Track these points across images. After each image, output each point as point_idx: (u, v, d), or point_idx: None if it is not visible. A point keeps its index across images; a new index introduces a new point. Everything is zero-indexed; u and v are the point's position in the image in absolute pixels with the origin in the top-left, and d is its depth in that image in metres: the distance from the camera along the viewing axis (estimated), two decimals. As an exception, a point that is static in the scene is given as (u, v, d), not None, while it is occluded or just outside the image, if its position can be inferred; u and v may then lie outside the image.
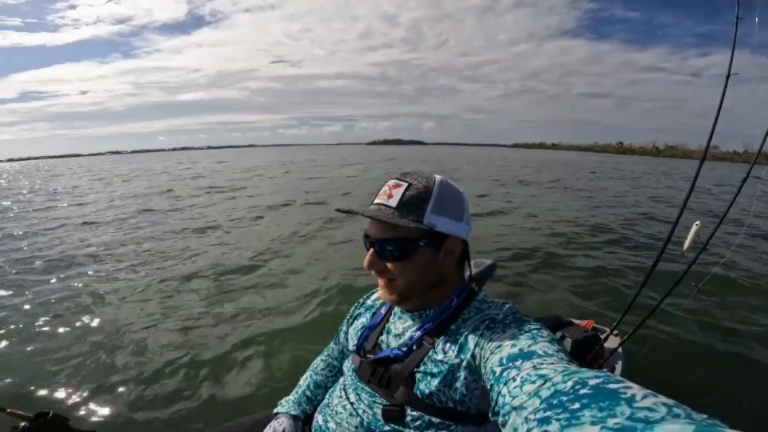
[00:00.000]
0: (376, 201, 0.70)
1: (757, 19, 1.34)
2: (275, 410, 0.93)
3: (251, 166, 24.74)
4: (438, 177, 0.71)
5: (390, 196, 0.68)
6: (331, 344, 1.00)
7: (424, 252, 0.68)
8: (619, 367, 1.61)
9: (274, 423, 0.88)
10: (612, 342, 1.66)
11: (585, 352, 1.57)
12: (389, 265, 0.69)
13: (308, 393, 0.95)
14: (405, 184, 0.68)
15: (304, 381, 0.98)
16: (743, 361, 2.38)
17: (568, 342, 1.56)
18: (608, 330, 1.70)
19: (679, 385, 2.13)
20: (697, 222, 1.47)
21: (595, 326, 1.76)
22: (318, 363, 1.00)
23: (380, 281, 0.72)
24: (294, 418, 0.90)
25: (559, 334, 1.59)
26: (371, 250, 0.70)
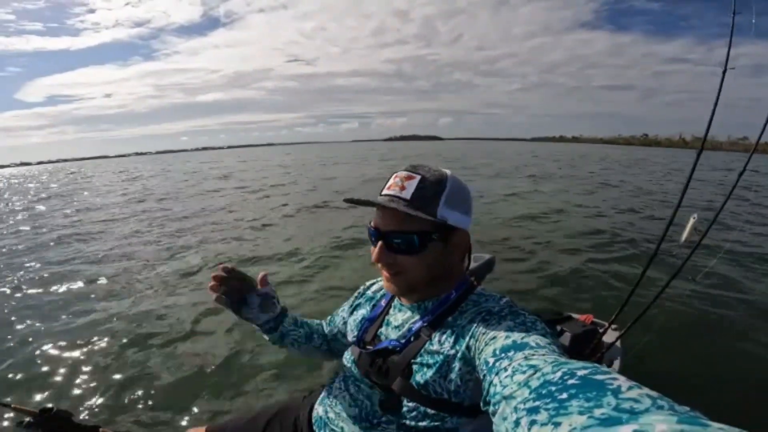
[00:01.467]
0: (387, 192, 0.68)
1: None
2: None
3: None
4: (448, 171, 0.71)
5: (403, 188, 0.67)
6: (324, 322, 0.98)
7: (435, 245, 0.67)
8: (618, 359, 1.62)
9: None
10: (610, 336, 1.67)
11: (584, 345, 1.58)
12: (398, 258, 0.68)
13: (296, 316, 0.94)
14: (418, 176, 0.67)
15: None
16: (741, 354, 2.38)
17: (567, 336, 1.56)
18: (607, 324, 1.71)
19: (677, 377, 2.13)
20: (694, 215, 1.48)
21: (594, 320, 1.77)
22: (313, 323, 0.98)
23: (385, 274, 0.71)
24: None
25: (558, 329, 1.59)
26: (380, 243, 0.69)
